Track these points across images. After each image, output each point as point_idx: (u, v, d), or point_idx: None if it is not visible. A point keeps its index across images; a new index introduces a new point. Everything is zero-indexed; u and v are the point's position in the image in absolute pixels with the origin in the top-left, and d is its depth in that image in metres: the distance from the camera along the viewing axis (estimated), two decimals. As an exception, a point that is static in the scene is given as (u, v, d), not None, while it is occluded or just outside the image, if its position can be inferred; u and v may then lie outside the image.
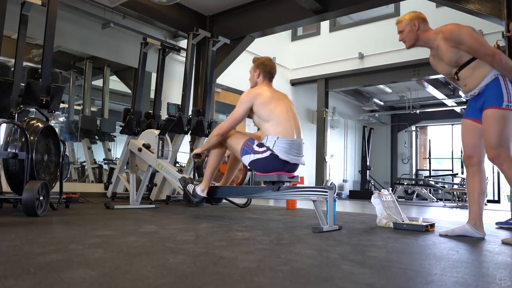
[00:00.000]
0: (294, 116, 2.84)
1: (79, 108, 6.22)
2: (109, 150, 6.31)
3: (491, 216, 4.53)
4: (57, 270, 1.14)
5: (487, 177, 2.46)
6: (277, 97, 2.83)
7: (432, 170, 10.71)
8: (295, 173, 2.84)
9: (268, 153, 2.67)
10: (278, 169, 2.70)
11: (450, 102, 9.92)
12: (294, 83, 9.39)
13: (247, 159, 2.76)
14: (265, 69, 2.94)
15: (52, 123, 3.83)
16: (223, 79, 6.86)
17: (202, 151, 3.02)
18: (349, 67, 8.41)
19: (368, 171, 11.07)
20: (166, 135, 4.01)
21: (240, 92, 7.95)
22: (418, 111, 10.48)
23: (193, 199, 2.98)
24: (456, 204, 7.49)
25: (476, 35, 2.26)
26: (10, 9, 3.36)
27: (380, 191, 2.94)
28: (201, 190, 2.95)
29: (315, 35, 9.29)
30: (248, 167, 2.86)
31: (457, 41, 2.27)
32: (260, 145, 2.72)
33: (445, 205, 7.57)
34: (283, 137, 2.68)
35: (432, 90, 9.01)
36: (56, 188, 3.18)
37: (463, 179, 8.56)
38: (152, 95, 5.88)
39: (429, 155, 10.73)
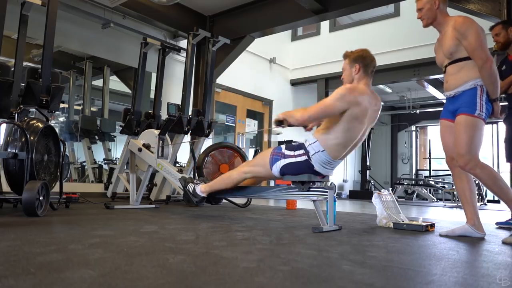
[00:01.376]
0: (361, 139, 2.56)
1: (79, 108, 6.22)
2: (109, 150, 6.31)
3: (491, 216, 4.53)
4: (57, 270, 1.14)
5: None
6: (368, 111, 2.46)
7: (432, 170, 10.70)
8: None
9: (303, 158, 2.50)
10: (309, 173, 2.54)
11: (450, 102, 9.91)
12: (294, 83, 9.39)
13: (277, 167, 2.56)
14: (365, 62, 2.51)
15: (52, 123, 3.83)
16: (223, 79, 6.86)
17: (284, 118, 2.49)
18: (349, 67, 8.40)
19: (368, 171, 11.06)
20: (166, 135, 4.01)
21: (240, 92, 7.95)
22: (418, 111, 10.48)
23: (193, 199, 2.95)
24: (456, 204, 7.48)
25: (482, 37, 2.27)
26: (10, 9, 3.36)
27: (380, 191, 2.94)
28: (201, 190, 2.91)
29: (315, 35, 9.28)
30: (280, 176, 2.63)
31: (462, 34, 2.28)
32: (294, 148, 2.56)
33: (445, 205, 7.57)
34: (328, 154, 2.47)
35: (432, 90, 9.00)
36: (56, 188, 3.18)
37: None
38: (152, 95, 5.88)
39: (429, 155, 10.72)
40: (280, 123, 2.52)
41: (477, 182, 5.77)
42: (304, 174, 2.54)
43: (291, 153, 2.55)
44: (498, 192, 2.27)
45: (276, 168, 2.58)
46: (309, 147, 2.52)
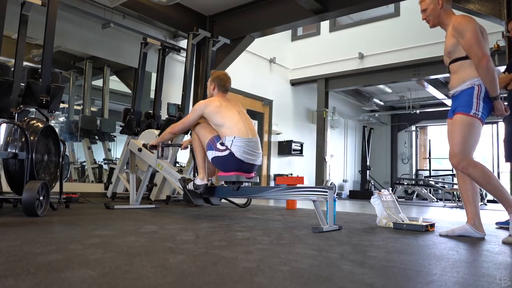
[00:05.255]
0: (246, 117, 3.09)
1: (79, 108, 6.22)
2: (109, 150, 6.31)
3: (491, 216, 4.53)
4: (57, 270, 1.14)
5: None
6: (226, 104, 3.07)
7: (432, 170, 10.70)
8: (253, 174, 3.07)
9: (227, 152, 2.89)
10: (236, 168, 2.91)
11: (450, 102, 9.89)
12: (294, 83, 9.38)
13: (210, 155, 2.99)
14: (220, 82, 3.20)
15: (52, 123, 3.83)
16: (223, 79, 6.85)
17: (157, 143, 3.43)
18: (349, 67, 8.41)
19: (368, 171, 11.06)
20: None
21: (240, 92, 7.96)
22: (418, 111, 10.48)
23: (195, 196, 3.11)
24: (456, 204, 7.48)
25: (479, 34, 2.25)
26: (10, 9, 3.36)
27: (380, 191, 2.94)
28: (200, 179, 3.05)
29: (315, 35, 9.28)
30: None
31: (460, 32, 2.27)
32: (222, 143, 2.94)
33: (445, 205, 7.57)
34: (239, 136, 2.90)
35: (432, 90, 9.01)
36: (56, 188, 3.18)
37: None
38: (152, 95, 5.88)
39: (429, 155, 10.72)
40: (154, 147, 3.45)
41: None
42: (232, 175, 2.91)
43: (220, 147, 2.93)
44: (492, 191, 2.26)
45: (209, 156, 3.00)
46: (226, 143, 2.91)
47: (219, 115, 3.00)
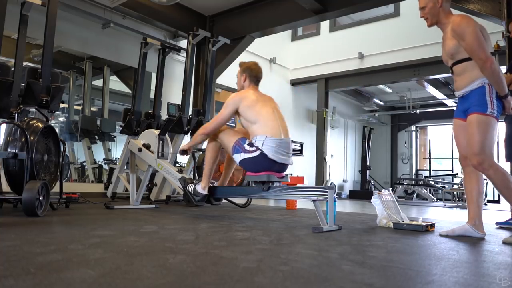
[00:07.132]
0: (280, 116, 2.91)
1: (79, 108, 6.22)
2: (109, 150, 6.31)
3: (491, 216, 4.53)
4: (57, 270, 1.14)
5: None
6: (262, 99, 2.91)
7: (432, 170, 10.70)
8: (285, 173, 2.93)
9: (257, 153, 2.73)
10: (267, 168, 2.75)
11: (450, 102, 9.92)
12: (294, 83, 9.39)
13: (237, 158, 2.83)
14: (251, 73, 3.02)
15: (52, 123, 3.83)
16: (223, 79, 6.86)
17: (188, 147, 3.11)
18: (349, 67, 8.41)
19: (368, 171, 11.06)
20: (166, 135, 4.01)
21: (240, 92, 7.95)
22: (418, 111, 10.49)
23: (195, 198, 3.01)
24: (456, 204, 7.48)
25: (479, 36, 2.23)
26: (10, 9, 3.36)
27: (380, 191, 2.94)
28: (201, 188, 2.98)
29: (315, 35, 9.29)
30: (239, 165, 2.94)
31: (460, 35, 2.26)
32: (250, 144, 2.79)
33: (445, 205, 7.57)
34: (271, 136, 2.74)
35: (432, 90, 9.01)
36: (56, 188, 3.18)
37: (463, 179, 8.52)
38: (152, 95, 5.88)
39: (429, 155, 10.73)
40: (185, 152, 3.11)
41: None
42: (262, 174, 2.75)
43: (249, 148, 2.77)
44: (507, 195, 2.24)
45: (236, 159, 2.85)
46: (256, 143, 2.76)
47: (254, 111, 2.81)
